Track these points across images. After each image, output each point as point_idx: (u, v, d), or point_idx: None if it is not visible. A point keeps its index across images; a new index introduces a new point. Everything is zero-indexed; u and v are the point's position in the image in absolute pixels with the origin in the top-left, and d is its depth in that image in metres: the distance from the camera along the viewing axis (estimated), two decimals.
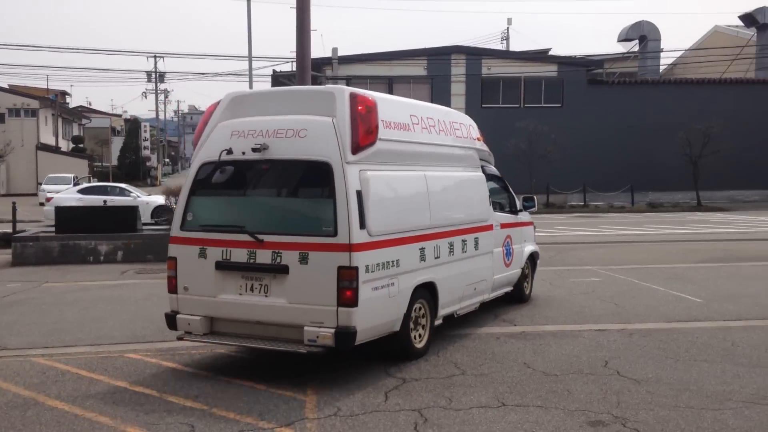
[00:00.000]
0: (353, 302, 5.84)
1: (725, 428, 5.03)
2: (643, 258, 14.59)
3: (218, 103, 6.89)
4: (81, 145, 59.90)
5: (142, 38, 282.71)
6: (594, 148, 33.24)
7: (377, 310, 6.14)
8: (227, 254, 6.27)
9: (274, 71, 36.11)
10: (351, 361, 6.62)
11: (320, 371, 6.34)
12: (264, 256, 6.12)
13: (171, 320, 6.53)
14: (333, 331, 5.81)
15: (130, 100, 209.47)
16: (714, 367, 6.49)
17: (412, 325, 6.71)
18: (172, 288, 6.55)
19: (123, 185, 24.41)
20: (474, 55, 34.37)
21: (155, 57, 61.03)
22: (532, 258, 9.90)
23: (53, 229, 14.98)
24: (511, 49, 48.50)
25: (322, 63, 32.51)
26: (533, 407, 5.46)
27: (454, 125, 8.01)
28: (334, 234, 5.91)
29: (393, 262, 6.32)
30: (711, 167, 30.58)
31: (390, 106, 6.75)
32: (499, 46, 50.23)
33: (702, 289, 10.58)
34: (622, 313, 9.00)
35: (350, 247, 5.87)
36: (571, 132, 32.58)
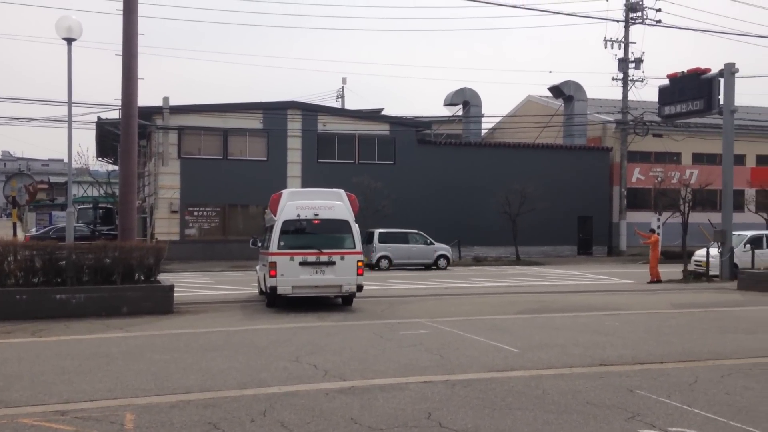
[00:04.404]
0: (361, 275, 14.72)
1: None
2: (467, 310, 15.31)
3: (281, 193, 15.31)
4: None
5: None
6: (425, 204, 34.82)
7: (363, 278, 14.93)
8: (305, 259, 14.35)
9: (99, 118, 34.45)
10: None
11: None
12: (323, 258, 14.45)
13: (273, 290, 14.35)
14: (355, 286, 14.67)
15: None
16: (527, 415, 6.91)
17: None
18: (274, 275, 14.23)
19: None
20: (310, 111, 34.97)
21: None
22: None
23: None
24: (346, 107, 49.93)
25: (151, 112, 31.54)
26: None
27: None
28: (354, 248, 14.74)
29: (361, 259, 15.15)
30: (527, 224, 33.13)
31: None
32: (335, 104, 51.56)
33: (518, 339, 11.27)
34: (446, 364, 9.35)
35: (360, 253, 14.96)
36: (403, 188, 33.95)
